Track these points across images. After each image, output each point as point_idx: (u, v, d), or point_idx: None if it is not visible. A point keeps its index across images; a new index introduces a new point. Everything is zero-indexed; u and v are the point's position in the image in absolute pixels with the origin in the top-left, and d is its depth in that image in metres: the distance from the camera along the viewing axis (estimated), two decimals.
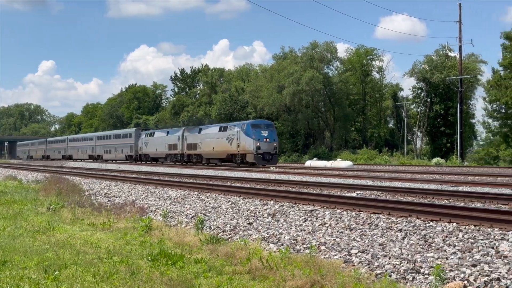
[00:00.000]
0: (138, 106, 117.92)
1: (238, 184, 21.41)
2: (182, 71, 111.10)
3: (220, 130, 48.75)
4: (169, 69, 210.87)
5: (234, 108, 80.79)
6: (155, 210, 15.41)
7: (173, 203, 16.19)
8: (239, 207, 13.88)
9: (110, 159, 73.86)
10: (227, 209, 13.87)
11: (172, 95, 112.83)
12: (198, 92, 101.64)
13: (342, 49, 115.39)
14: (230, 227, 11.70)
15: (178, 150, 55.75)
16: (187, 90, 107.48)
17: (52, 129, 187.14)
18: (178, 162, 55.86)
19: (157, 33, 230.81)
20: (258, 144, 43.41)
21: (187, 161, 54.79)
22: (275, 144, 44.88)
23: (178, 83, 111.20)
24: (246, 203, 14.34)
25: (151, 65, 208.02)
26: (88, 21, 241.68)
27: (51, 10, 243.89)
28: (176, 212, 14.48)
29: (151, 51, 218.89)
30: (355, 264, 7.76)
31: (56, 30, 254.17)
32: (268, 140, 44.18)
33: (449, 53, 69.80)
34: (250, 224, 11.67)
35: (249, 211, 13.13)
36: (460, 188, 18.61)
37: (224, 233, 11.28)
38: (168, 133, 59.26)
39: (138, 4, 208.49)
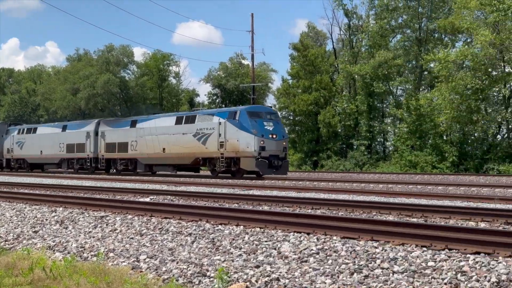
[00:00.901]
0: None
1: (25, 191, 20.37)
2: None
3: (180, 122, 33.61)
4: None
5: (25, 111, 76.88)
6: None
7: None
8: (24, 214, 13.17)
9: None
10: (11, 217, 13.08)
11: None
12: None
13: (139, 53, 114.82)
14: (13, 236, 11.03)
15: (86, 152, 39.75)
16: None
17: None
18: (84, 170, 40.41)
19: None
20: (262, 142, 29.50)
21: (104, 169, 38.92)
22: (284, 143, 31.39)
23: None
24: (33, 210, 13.66)
25: None
26: None
27: None
28: None
29: None
30: (143, 270, 7.69)
31: None
32: (275, 136, 30.35)
33: (243, 61, 72.53)
34: (35, 232, 11.11)
35: (36, 218, 12.51)
36: (251, 192, 19.34)
37: (6, 242, 10.61)
38: (65, 128, 42.73)
39: None
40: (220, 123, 30.70)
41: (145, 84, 74.66)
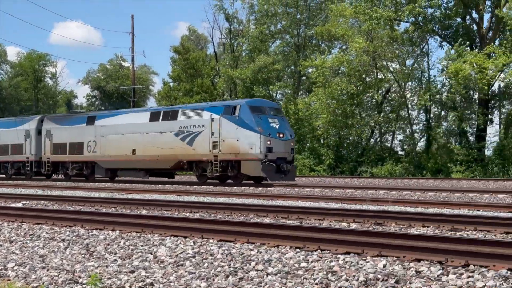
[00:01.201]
0: None
1: None
2: None
3: (156, 119, 28.22)
4: None
5: None
6: None
7: None
8: None
9: None
10: None
11: None
12: None
13: (13, 53, 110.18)
14: None
15: (25, 154, 33.59)
16: None
17: None
18: (21, 175, 34.92)
19: None
20: (269, 142, 24.66)
21: (49, 174, 33.78)
22: (292, 144, 26.66)
23: None
24: None
25: None
26: None
27: None
28: None
29: None
30: (11, 278, 7.35)
31: None
32: (282, 135, 25.54)
33: (123, 63, 71.47)
34: None
35: None
36: (130, 196, 19.09)
37: None
38: None
39: None
40: (212, 120, 25.64)
41: (19, 85, 71.81)
